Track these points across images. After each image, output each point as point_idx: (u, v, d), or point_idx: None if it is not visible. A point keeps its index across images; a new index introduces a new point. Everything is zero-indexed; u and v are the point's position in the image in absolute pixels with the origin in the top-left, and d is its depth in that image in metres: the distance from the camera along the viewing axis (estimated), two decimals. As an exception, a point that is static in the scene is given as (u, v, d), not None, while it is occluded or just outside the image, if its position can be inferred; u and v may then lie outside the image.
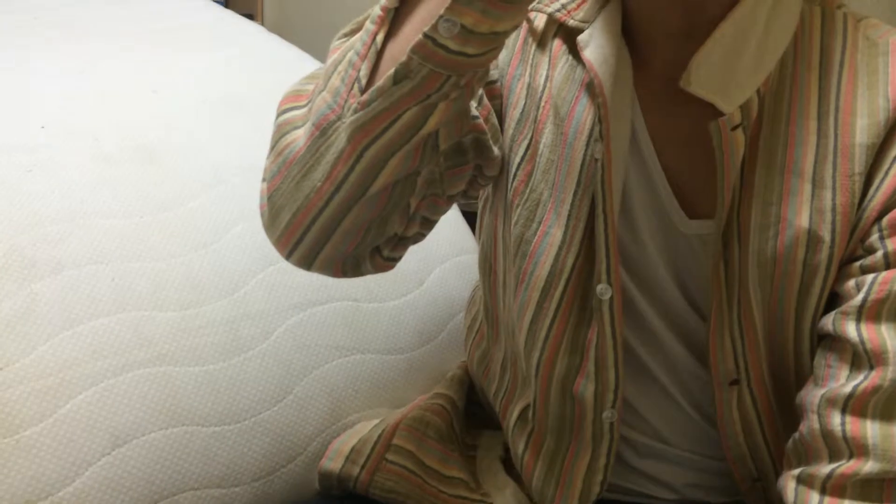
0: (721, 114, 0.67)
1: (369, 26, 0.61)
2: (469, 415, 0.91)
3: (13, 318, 0.77)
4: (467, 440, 0.88)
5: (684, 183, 0.72)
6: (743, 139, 0.67)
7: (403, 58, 0.58)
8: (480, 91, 0.74)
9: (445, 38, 0.57)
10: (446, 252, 0.99)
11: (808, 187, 0.69)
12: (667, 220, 0.73)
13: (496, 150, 0.75)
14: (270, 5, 2.15)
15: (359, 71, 0.60)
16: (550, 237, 0.75)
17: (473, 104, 0.72)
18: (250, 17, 1.83)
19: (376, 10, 0.62)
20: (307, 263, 0.68)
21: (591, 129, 0.72)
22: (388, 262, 0.73)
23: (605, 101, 0.71)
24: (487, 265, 0.85)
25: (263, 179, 0.68)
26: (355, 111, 0.60)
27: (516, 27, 0.59)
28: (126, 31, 1.20)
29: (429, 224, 0.75)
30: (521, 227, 0.76)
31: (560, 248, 0.74)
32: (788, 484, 0.71)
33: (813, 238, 0.69)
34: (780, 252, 0.70)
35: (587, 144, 0.73)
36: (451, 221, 1.09)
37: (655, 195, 0.73)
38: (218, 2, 1.56)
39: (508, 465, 0.85)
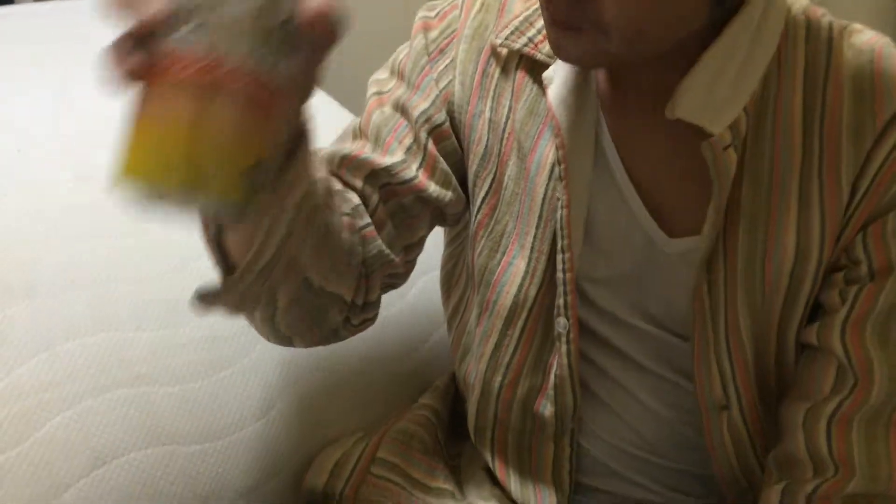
0: (701, 131, 0.66)
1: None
2: (454, 424, 0.90)
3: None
4: (451, 450, 0.88)
5: (660, 203, 0.72)
6: (735, 158, 0.67)
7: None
8: (420, 147, 0.75)
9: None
10: (431, 263, 0.98)
11: (794, 204, 0.68)
12: (644, 240, 0.72)
13: (449, 195, 0.76)
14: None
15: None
16: (514, 268, 0.75)
17: (413, 166, 0.74)
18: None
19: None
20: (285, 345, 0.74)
21: (553, 166, 0.72)
22: (365, 324, 0.76)
23: (564, 143, 0.70)
24: (447, 286, 0.86)
25: None
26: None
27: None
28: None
29: (405, 270, 0.78)
30: (485, 258, 0.77)
31: (523, 278, 0.75)
32: (772, 497, 0.71)
33: (801, 254, 0.69)
34: (768, 272, 0.69)
35: (549, 179, 0.73)
36: (436, 231, 1.09)
37: (630, 216, 0.72)
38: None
39: (493, 474, 0.85)
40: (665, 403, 0.77)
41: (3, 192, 0.88)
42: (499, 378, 0.78)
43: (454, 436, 0.89)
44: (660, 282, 0.73)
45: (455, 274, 0.85)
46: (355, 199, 0.73)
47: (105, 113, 1.02)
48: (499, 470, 0.81)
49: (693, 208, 0.70)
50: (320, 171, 0.64)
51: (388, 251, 0.73)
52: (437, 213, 0.77)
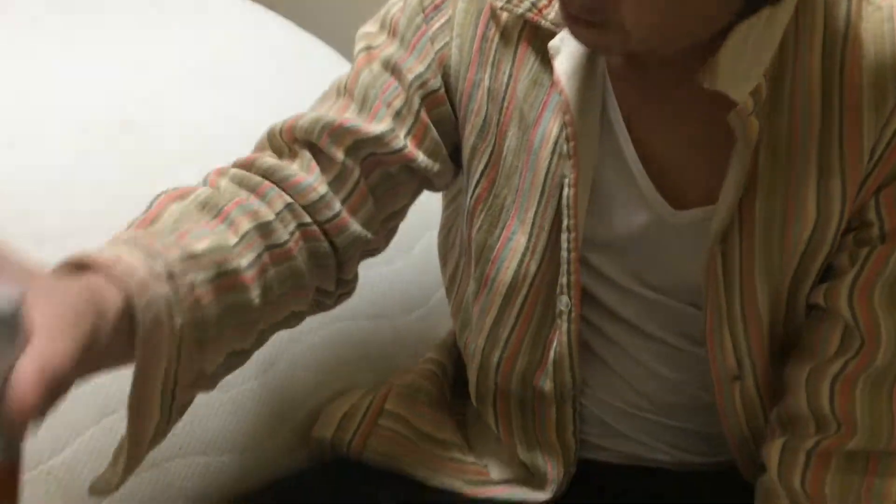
0: (714, 100, 0.64)
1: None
2: (460, 379, 0.91)
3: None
4: (457, 404, 0.89)
5: (667, 175, 0.70)
6: (757, 126, 0.65)
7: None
8: (411, 113, 0.72)
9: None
10: (434, 220, 0.98)
11: (814, 171, 0.67)
12: (649, 212, 0.71)
13: (438, 166, 0.74)
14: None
15: None
16: (514, 243, 0.74)
17: (401, 134, 0.71)
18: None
19: None
20: None
21: (558, 139, 0.70)
22: (342, 298, 0.76)
23: (573, 119, 0.68)
24: (443, 252, 0.85)
25: None
26: None
27: None
28: (110, 1, 1.19)
29: (386, 241, 0.77)
30: (483, 234, 0.75)
31: (523, 254, 0.73)
32: (773, 452, 0.71)
33: (821, 221, 0.68)
34: (787, 239, 0.68)
35: (552, 154, 0.71)
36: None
37: (635, 187, 0.71)
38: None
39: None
40: (674, 368, 0.76)
41: (9, 143, 0.88)
42: (497, 353, 0.77)
43: (460, 390, 0.89)
44: (666, 252, 0.72)
45: (449, 241, 0.84)
46: (315, 193, 0.69)
47: (115, 62, 1.03)
48: (503, 432, 0.81)
49: (701, 179, 0.69)
50: (198, 274, 0.58)
51: (364, 232, 0.71)
52: (424, 183, 0.76)
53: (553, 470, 0.78)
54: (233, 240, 0.63)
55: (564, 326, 0.73)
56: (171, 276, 0.55)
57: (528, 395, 0.78)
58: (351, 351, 0.94)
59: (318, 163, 0.71)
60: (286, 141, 0.72)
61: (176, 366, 0.56)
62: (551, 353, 0.75)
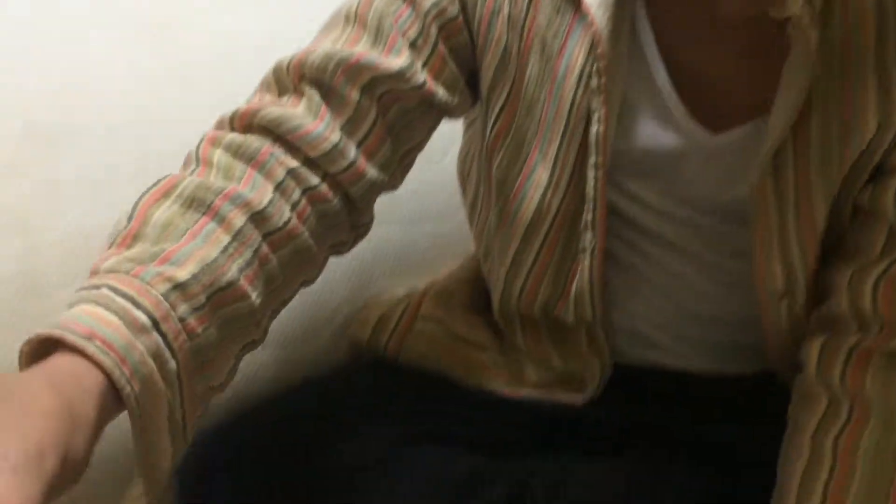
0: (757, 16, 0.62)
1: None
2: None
3: (37, 189, 0.78)
4: (492, 317, 0.88)
5: (704, 95, 0.68)
6: (815, 37, 0.62)
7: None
8: (428, 44, 0.68)
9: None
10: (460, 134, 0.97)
11: (873, 83, 0.65)
12: (681, 135, 0.69)
13: (456, 100, 0.71)
14: None
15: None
16: (536, 177, 0.72)
17: (419, 65, 0.67)
18: None
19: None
20: None
21: (583, 70, 0.68)
22: (358, 240, 0.73)
23: (604, 52, 0.66)
24: (462, 176, 0.83)
25: None
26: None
27: None
28: None
29: (402, 176, 0.73)
30: (504, 169, 0.73)
31: (546, 189, 0.71)
32: (812, 350, 0.70)
33: (881, 132, 0.66)
34: (846, 153, 0.66)
35: (577, 85, 0.68)
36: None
37: (666, 111, 0.69)
38: None
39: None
40: (716, 283, 0.76)
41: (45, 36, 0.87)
42: (519, 282, 0.77)
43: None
44: (704, 175, 0.71)
45: (466, 167, 0.83)
46: (327, 143, 0.65)
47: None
48: (532, 349, 0.81)
49: (743, 97, 0.68)
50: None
51: (381, 176, 0.68)
52: (441, 115, 0.73)
53: (589, 375, 0.79)
54: (224, 239, 0.58)
55: (587, 262, 0.72)
56: (156, 324, 0.52)
57: (552, 320, 0.78)
58: (387, 254, 0.94)
59: (329, 104, 0.66)
60: (293, 79, 0.67)
61: (179, 400, 0.54)
62: (573, 288, 0.74)
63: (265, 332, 0.64)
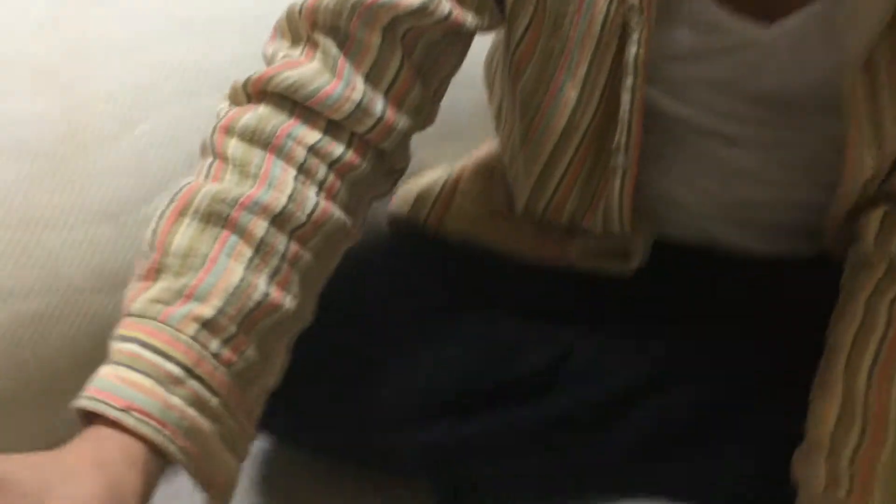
0: None
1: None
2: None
3: (76, 42, 0.77)
4: None
5: None
6: None
7: None
8: None
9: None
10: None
11: None
12: (734, 30, 0.66)
13: (486, 21, 0.66)
14: None
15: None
16: (564, 96, 0.68)
17: None
18: None
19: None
20: None
21: None
22: (401, 176, 0.69)
23: None
24: (488, 80, 0.80)
25: None
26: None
27: None
28: None
29: (435, 104, 0.68)
30: (530, 90, 0.70)
31: (575, 108, 0.68)
32: (873, 220, 0.69)
33: None
34: None
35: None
36: None
37: (707, 16, 0.65)
38: None
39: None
40: (784, 168, 0.72)
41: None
42: (547, 195, 0.75)
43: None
44: (766, 66, 0.67)
45: (491, 72, 0.80)
46: (350, 103, 0.61)
47: None
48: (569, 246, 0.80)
49: None
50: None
51: (413, 124, 0.64)
52: (472, 38, 0.68)
53: (633, 248, 0.78)
54: (247, 253, 0.56)
55: (617, 183, 0.70)
56: (189, 371, 0.52)
57: (580, 224, 0.77)
58: (428, 130, 0.92)
59: (348, 54, 0.61)
60: (307, 26, 0.62)
61: (231, 425, 0.54)
62: (601, 205, 0.73)
63: (312, 313, 0.62)
